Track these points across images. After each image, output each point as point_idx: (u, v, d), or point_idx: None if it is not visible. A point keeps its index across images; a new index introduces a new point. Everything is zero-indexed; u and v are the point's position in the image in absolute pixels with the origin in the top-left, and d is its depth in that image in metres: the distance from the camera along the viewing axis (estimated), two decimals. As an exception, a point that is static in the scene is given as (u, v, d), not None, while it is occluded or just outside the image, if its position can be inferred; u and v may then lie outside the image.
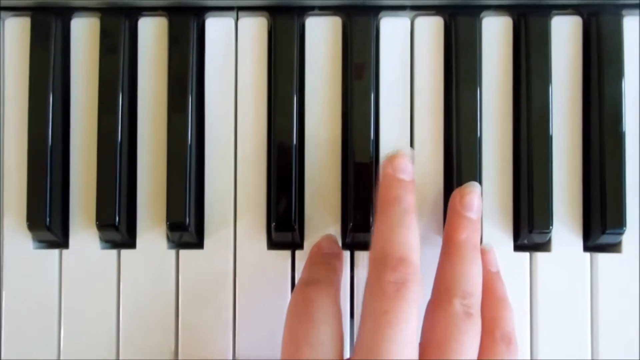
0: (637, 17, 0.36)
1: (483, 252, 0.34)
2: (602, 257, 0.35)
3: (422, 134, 0.36)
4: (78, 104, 0.37)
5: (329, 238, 0.35)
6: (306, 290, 0.31)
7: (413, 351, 0.29)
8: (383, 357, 0.28)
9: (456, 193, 0.34)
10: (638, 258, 0.35)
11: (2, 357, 0.36)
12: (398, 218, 0.31)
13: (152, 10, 0.37)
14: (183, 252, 0.36)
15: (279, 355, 0.35)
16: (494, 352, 0.31)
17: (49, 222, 0.35)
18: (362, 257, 0.36)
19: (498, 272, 0.34)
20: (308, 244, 0.36)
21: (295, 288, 0.32)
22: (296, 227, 0.35)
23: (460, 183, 0.35)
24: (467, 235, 0.33)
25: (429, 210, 0.36)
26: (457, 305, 0.30)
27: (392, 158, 0.33)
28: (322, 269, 0.33)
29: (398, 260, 0.29)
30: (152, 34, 0.37)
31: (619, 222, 0.34)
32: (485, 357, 0.31)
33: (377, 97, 0.36)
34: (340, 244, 0.35)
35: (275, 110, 0.35)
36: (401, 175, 0.32)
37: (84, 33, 0.37)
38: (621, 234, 0.34)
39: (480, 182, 0.35)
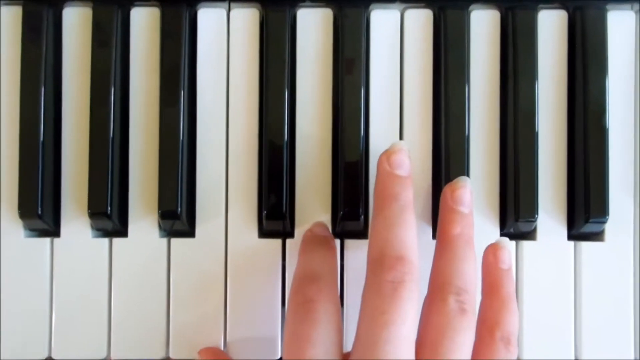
0: (621, 12, 0.37)
1: (496, 248, 0.34)
2: (586, 246, 0.36)
3: (411, 125, 0.37)
4: (70, 93, 0.37)
5: (320, 224, 0.35)
6: (306, 290, 0.31)
7: (410, 351, 0.29)
8: (380, 357, 0.28)
9: (447, 188, 0.34)
10: (620, 246, 0.36)
11: (-6, 346, 0.36)
12: (395, 216, 0.31)
13: (145, 0, 0.37)
14: (174, 241, 0.36)
15: (269, 342, 0.35)
16: (491, 351, 0.31)
17: (40, 211, 0.35)
18: (352, 245, 0.36)
19: (509, 270, 0.34)
20: (299, 232, 0.36)
21: (294, 284, 0.32)
22: (287, 215, 0.35)
23: (448, 174, 0.35)
24: (461, 229, 0.33)
25: (419, 203, 0.36)
26: (452, 302, 0.30)
27: (389, 154, 0.33)
28: (319, 257, 0.33)
29: (396, 260, 0.30)
30: (144, 23, 0.37)
31: (602, 211, 0.35)
32: (482, 356, 0.31)
33: (367, 90, 0.36)
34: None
35: (267, 101, 0.36)
36: (398, 172, 0.32)
37: (76, 22, 0.37)
38: (604, 222, 0.35)
39: (468, 173, 0.36)
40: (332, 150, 0.37)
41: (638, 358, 0.36)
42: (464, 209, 0.33)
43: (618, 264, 0.36)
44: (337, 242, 0.36)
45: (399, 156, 0.32)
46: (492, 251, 0.34)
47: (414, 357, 0.29)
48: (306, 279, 0.32)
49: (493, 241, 0.35)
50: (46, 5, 0.36)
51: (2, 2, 0.37)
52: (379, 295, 0.29)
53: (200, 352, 0.35)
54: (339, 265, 0.35)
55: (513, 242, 0.36)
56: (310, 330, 0.30)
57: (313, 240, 0.34)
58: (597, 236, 0.37)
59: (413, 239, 0.31)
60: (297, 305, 0.31)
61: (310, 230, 0.35)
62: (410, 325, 0.29)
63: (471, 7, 0.37)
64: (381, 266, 0.30)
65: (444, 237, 0.33)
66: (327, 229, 0.35)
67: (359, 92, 0.36)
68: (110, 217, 0.35)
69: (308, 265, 0.33)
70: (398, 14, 0.37)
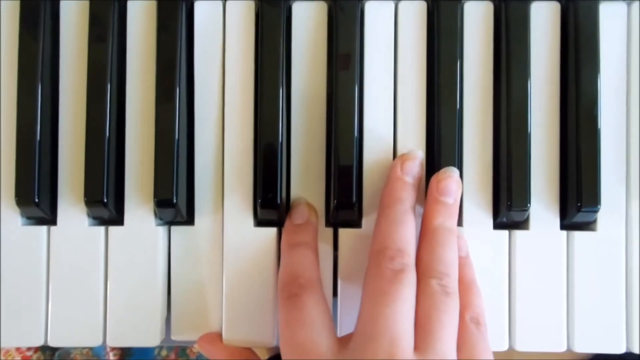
0: (613, 4, 0.37)
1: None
2: (578, 235, 0.36)
3: (406, 116, 0.37)
4: (67, 84, 0.37)
5: (298, 207, 0.36)
6: (290, 287, 0.33)
7: (409, 329, 0.31)
8: (382, 332, 0.30)
9: (433, 179, 0.35)
10: (612, 236, 0.36)
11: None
12: (399, 216, 0.33)
13: (142, -8, 0.37)
14: (172, 229, 0.37)
15: (265, 327, 0.36)
16: (465, 333, 0.33)
17: (37, 199, 0.35)
18: (345, 234, 0.36)
19: (467, 257, 0.36)
20: (293, 221, 0.36)
21: (279, 282, 0.34)
22: (281, 205, 0.36)
23: (440, 166, 0.36)
24: (443, 220, 0.34)
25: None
26: (435, 284, 0.32)
27: (403, 159, 0.35)
28: (298, 255, 0.34)
29: (396, 251, 0.32)
30: (141, 16, 0.37)
31: (594, 201, 0.35)
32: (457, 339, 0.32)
33: (361, 83, 0.36)
34: (323, 220, 0.36)
35: (262, 92, 0.36)
36: (407, 178, 0.35)
37: (73, 15, 0.37)
38: (596, 212, 0.35)
39: (461, 163, 0.36)
40: (326, 140, 0.37)
41: (630, 349, 0.37)
42: (448, 199, 0.35)
43: (610, 253, 0.36)
44: (331, 231, 0.37)
45: (412, 164, 0.35)
46: None
47: (413, 335, 0.31)
48: (288, 278, 0.34)
49: (487, 231, 0.36)
50: (44, -3, 0.36)
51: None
52: (381, 278, 0.31)
53: (199, 340, 0.36)
54: (328, 255, 0.36)
55: (506, 232, 0.37)
56: (298, 315, 0.32)
57: (291, 235, 0.35)
58: (589, 225, 0.37)
59: (412, 237, 0.33)
60: (284, 300, 0.33)
61: (289, 217, 0.36)
62: (409, 306, 0.31)
63: (465, -2, 0.37)
64: (383, 256, 0.32)
65: (427, 227, 0.34)
66: (306, 209, 0.36)
67: (354, 84, 0.36)
68: (106, 206, 0.35)
69: (289, 266, 0.34)
70: (392, 5, 0.37)
